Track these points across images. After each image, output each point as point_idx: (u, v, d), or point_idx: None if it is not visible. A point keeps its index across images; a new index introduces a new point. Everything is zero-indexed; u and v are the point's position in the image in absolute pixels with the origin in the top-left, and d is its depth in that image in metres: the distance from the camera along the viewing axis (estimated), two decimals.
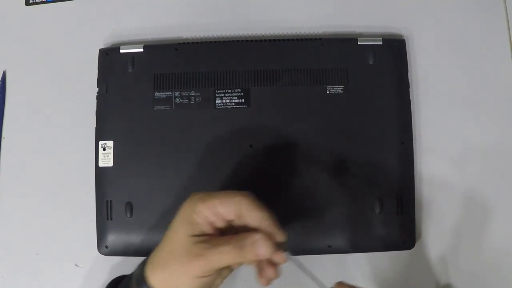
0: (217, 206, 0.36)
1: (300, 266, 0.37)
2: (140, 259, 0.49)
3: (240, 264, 0.37)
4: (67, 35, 0.56)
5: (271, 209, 0.37)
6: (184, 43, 0.53)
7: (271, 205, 0.48)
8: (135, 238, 0.49)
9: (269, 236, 0.35)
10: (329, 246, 0.48)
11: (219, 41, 0.53)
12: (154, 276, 0.36)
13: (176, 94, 0.51)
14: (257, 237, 0.35)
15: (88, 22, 0.56)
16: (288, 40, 0.52)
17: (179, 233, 0.36)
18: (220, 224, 0.36)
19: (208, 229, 0.36)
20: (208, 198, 0.36)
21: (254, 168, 0.49)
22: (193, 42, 0.53)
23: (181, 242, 0.35)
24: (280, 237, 0.36)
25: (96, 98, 0.52)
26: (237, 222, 0.36)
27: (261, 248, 0.35)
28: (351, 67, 0.51)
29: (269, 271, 0.37)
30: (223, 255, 0.34)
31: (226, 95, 0.50)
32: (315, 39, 0.53)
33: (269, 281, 0.37)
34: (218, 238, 0.36)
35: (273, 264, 0.37)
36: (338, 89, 0.50)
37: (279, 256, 0.36)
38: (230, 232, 0.37)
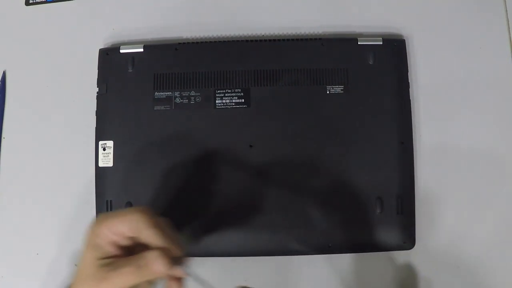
0: (116, 226, 0.36)
1: (199, 280, 0.37)
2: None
3: (151, 281, 0.38)
4: (67, 35, 0.56)
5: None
6: (184, 43, 0.53)
7: (270, 205, 0.48)
8: None
9: (165, 252, 0.36)
10: (329, 246, 0.48)
11: (219, 41, 0.53)
12: None
13: (176, 94, 0.51)
14: (150, 255, 0.35)
15: (88, 22, 0.56)
16: (288, 40, 0.52)
17: (86, 257, 0.37)
18: (125, 242, 0.37)
19: (112, 250, 0.36)
20: (106, 218, 0.37)
21: (254, 168, 0.49)
22: (193, 42, 0.53)
23: (89, 267, 0.36)
24: (177, 252, 0.37)
25: (96, 98, 0.52)
26: (142, 239, 0.37)
27: (156, 265, 0.35)
28: (351, 67, 0.51)
29: (173, 286, 0.37)
30: (125, 276, 0.35)
31: (226, 95, 0.50)
32: (315, 39, 0.53)
33: None
34: (122, 259, 0.36)
35: (176, 278, 0.37)
36: (338, 89, 0.50)
37: (177, 271, 0.36)
38: (141, 248, 0.37)
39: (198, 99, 0.51)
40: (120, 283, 0.35)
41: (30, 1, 0.57)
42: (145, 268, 0.35)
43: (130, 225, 0.36)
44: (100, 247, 0.37)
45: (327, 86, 0.50)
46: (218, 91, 0.51)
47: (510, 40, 0.54)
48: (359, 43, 0.51)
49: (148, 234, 0.36)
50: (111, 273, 0.35)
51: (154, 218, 0.37)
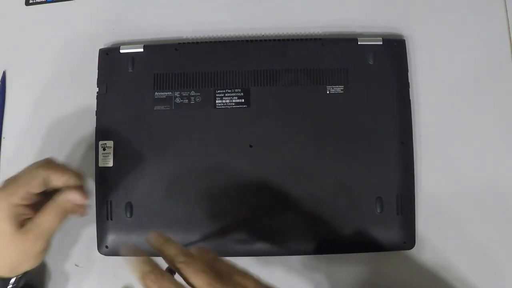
0: (28, 190, 0.41)
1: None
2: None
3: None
4: (67, 35, 0.56)
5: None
6: (184, 43, 0.53)
7: (270, 205, 0.48)
8: (135, 238, 0.49)
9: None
10: (329, 246, 0.48)
11: (219, 41, 0.53)
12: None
13: (176, 94, 0.51)
14: (65, 194, 0.42)
15: (88, 22, 0.56)
16: (288, 40, 0.52)
17: (6, 231, 0.40)
18: (36, 198, 0.42)
19: (29, 212, 0.42)
20: (14, 187, 0.41)
21: (254, 168, 0.49)
22: (193, 42, 0.53)
23: (13, 238, 0.41)
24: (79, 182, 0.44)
25: (96, 98, 0.52)
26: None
27: (73, 197, 0.43)
28: (351, 67, 0.51)
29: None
30: (50, 222, 0.42)
31: (226, 95, 0.50)
32: (315, 39, 0.53)
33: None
34: (39, 215, 0.42)
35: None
36: (338, 89, 0.50)
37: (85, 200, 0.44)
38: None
39: (198, 99, 0.51)
40: (50, 234, 0.42)
41: (30, 1, 0.57)
42: (64, 206, 0.42)
43: (42, 185, 0.42)
44: (19, 215, 0.41)
45: (327, 86, 0.50)
46: (218, 91, 0.51)
47: (510, 40, 0.54)
48: (359, 43, 0.51)
49: (56, 182, 0.42)
50: (38, 231, 0.41)
51: (54, 166, 0.42)
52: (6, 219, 0.40)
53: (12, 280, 0.44)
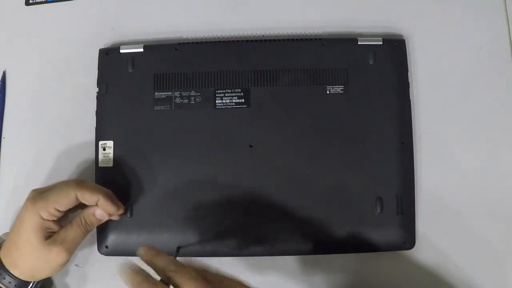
0: (57, 208, 0.43)
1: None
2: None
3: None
4: (67, 35, 0.56)
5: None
6: (184, 43, 0.53)
7: (271, 205, 0.48)
8: (135, 238, 0.49)
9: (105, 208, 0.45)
10: (329, 246, 0.48)
11: (219, 41, 0.53)
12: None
13: (176, 94, 0.51)
14: (89, 210, 0.45)
15: (88, 22, 0.56)
16: (288, 40, 0.52)
17: (32, 241, 0.43)
18: (63, 214, 0.45)
19: (54, 226, 0.44)
20: (45, 204, 0.43)
21: (254, 168, 0.49)
22: (193, 42, 0.53)
23: (38, 249, 0.43)
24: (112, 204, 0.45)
25: (96, 98, 0.52)
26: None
27: (97, 213, 0.45)
28: (351, 67, 0.51)
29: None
30: (76, 239, 0.45)
31: (226, 95, 0.50)
32: (315, 39, 0.53)
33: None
34: (64, 229, 0.45)
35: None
36: (338, 89, 0.50)
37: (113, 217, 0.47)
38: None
39: (198, 99, 0.51)
40: (74, 246, 0.45)
41: (30, 1, 0.57)
42: (88, 221, 0.45)
43: (71, 202, 0.44)
44: (46, 229, 0.43)
45: (327, 86, 0.50)
46: (218, 91, 0.51)
47: (510, 40, 0.54)
48: (359, 43, 0.51)
49: (86, 202, 0.44)
50: (65, 245, 0.43)
51: (85, 186, 0.44)
52: (33, 231, 0.43)
53: (31, 284, 0.46)
